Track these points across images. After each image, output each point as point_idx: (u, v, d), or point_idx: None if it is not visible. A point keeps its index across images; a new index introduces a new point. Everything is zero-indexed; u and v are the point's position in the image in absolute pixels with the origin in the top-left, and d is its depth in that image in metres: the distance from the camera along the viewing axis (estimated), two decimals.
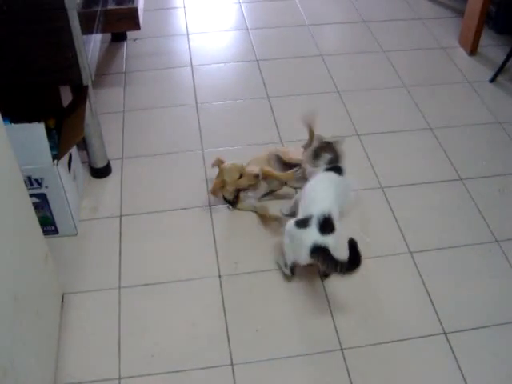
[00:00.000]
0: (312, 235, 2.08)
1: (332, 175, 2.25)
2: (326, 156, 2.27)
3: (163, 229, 2.48)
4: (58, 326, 2.07)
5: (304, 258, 2.11)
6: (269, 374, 2.00)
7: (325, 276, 2.29)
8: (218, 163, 2.51)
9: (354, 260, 1.98)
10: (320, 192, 2.22)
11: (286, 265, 2.25)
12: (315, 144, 2.33)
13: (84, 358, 2.03)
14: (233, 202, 2.54)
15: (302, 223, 2.12)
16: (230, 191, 2.49)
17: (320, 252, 2.06)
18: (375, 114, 3.11)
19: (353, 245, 1.97)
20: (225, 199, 2.54)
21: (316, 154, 2.29)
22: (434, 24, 3.87)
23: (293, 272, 2.25)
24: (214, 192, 2.50)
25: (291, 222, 2.17)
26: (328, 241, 2.06)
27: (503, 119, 3.10)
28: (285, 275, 2.28)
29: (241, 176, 2.46)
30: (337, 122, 3.04)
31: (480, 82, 3.38)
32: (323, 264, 2.08)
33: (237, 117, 3.08)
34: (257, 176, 2.46)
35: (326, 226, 2.09)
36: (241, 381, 1.98)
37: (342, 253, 2.02)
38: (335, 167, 2.27)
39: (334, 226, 2.11)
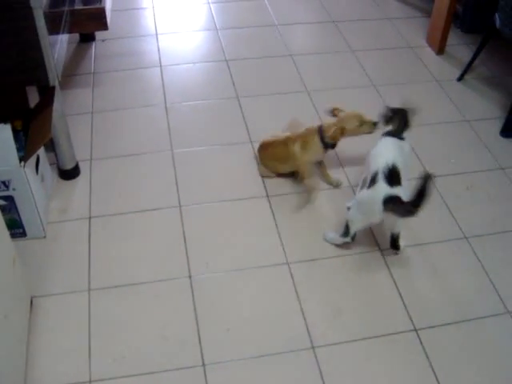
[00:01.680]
0: (381, 189, 2.17)
1: (392, 139, 2.36)
2: (396, 121, 2.40)
3: (133, 230, 2.47)
4: (27, 330, 2.04)
5: (378, 213, 2.19)
6: (240, 374, 2.00)
7: (395, 248, 2.39)
8: (336, 112, 2.60)
9: (421, 194, 2.04)
10: (382, 150, 2.32)
11: (346, 234, 2.34)
12: (386, 110, 2.45)
13: (54, 362, 2.01)
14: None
15: (371, 182, 2.20)
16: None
17: (392, 202, 2.14)
18: None
19: (426, 179, 2.04)
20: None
21: (387, 119, 2.42)
22: (402, 24, 3.90)
23: (353, 239, 2.37)
24: (334, 137, 2.54)
25: (361, 192, 2.29)
26: (396, 191, 2.15)
27: (471, 117, 3.13)
28: (342, 244, 2.39)
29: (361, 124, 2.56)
30: (306, 121, 3.03)
31: (448, 81, 3.41)
32: (397, 212, 2.17)
33: (206, 117, 3.08)
34: (375, 124, 2.54)
35: (393, 177, 2.18)
36: (212, 381, 1.97)
37: None
38: (396, 133, 2.37)
39: (400, 178, 2.19)
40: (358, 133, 2.58)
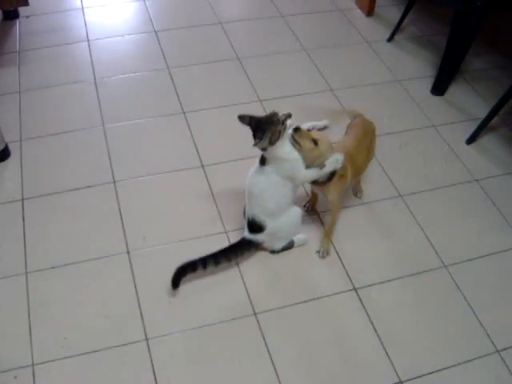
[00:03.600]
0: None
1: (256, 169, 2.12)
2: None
3: (68, 209, 2.42)
4: None
5: None
6: (184, 346, 2.01)
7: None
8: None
9: None
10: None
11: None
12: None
13: None
14: None
15: None
16: None
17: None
18: (277, 79, 3.12)
19: None
20: None
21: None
22: None
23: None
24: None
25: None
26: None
27: (401, 77, 3.17)
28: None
29: None
30: (238, 89, 3.03)
31: (378, 42, 3.43)
32: None
33: (137, 89, 3.03)
34: None
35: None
36: (157, 355, 1.97)
37: None
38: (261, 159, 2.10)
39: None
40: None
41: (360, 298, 2.15)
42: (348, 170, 2.15)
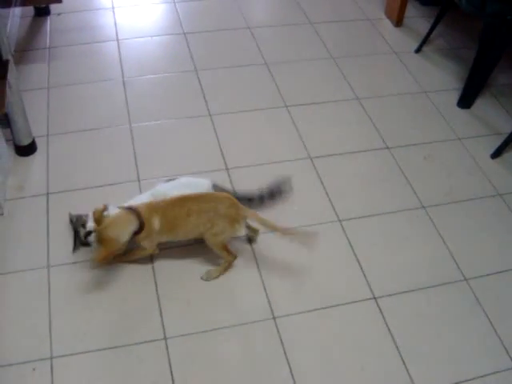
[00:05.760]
0: None
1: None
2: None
3: (91, 205, 2.42)
4: None
5: None
6: (202, 346, 2.01)
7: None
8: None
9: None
10: None
11: None
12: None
13: (15, 340, 2.00)
14: None
15: None
16: None
17: None
18: (303, 86, 3.12)
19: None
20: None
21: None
22: None
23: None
24: None
25: None
26: None
27: (428, 88, 3.16)
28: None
29: None
30: (265, 93, 3.04)
31: (406, 53, 3.43)
32: None
33: (164, 90, 3.05)
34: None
35: None
36: (174, 354, 1.98)
37: None
38: None
39: None
40: None
41: (380, 308, 2.14)
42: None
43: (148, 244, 2.14)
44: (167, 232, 2.13)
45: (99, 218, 2.02)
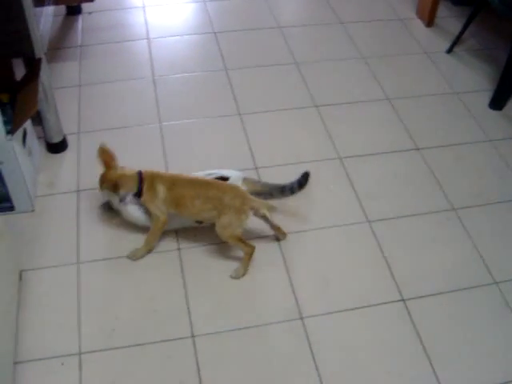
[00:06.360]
0: None
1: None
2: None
3: None
4: (16, 303, 2.04)
5: None
6: (229, 345, 2.01)
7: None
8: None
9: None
10: None
11: None
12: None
13: (44, 335, 2.02)
14: None
15: None
16: None
17: None
18: (333, 86, 3.11)
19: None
20: None
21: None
22: None
23: None
24: None
25: None
26: None
27: (459, 89, 3.13)
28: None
29: None
30: (295, 93, 3.04)
31: (437, 53, 3.40)
32: None
33: (194, 89, 3.06)
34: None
35: None
36: (202, 352, 1.98)
37: None
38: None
39: None
40: None
41: (408, 310, 2.13)
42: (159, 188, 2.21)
43: (155, 209, 2.21)
44: (174, 206, 2.21)
45: (109, 162, 2.23)
